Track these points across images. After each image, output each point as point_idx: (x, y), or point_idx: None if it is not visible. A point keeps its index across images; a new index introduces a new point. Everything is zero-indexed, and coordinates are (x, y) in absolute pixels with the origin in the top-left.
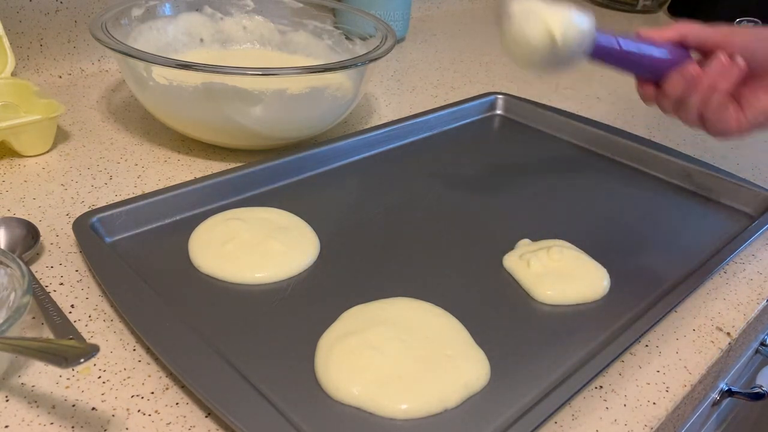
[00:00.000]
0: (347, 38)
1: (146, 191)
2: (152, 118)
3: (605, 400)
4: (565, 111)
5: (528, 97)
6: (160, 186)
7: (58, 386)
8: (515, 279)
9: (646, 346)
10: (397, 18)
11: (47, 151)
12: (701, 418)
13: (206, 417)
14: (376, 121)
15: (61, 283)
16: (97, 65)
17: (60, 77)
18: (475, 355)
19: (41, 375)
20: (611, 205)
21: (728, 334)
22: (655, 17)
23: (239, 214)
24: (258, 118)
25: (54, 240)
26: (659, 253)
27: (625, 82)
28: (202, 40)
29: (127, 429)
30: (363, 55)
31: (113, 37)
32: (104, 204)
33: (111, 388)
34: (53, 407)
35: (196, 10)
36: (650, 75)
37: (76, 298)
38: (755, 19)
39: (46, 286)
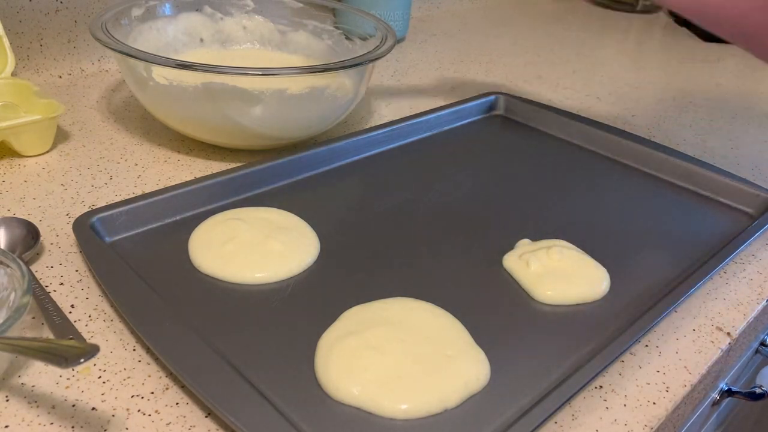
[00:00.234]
0: (347, 38)
1: (146, 191)
2: (152, 118)
3: (605, 400)
4: (565, 111)
5: (528, 97)
6: (160, 186)
7: (58, 386)
8: (515, 279)
9: (646, 346)
10: (397, 18)
11: (47, 151)
12: (701, 418)
13: (206, 417)
14: (376, 121)
15: (61, 283)
16: (97, 65)
17: (60, 77)
18: (475, 355)
19: (41, 375)
20: (611, 205)
21: (728, 334)
22: (655, 17)
23: (239, 214)
24: (258, 118)
25: (54, 240)
26: (659, 253)
27: (625, 83)
28: (202, 40)
29: (127, 429)
30: (363, 55)
31: (113, 37)
32: (104, 204)
33: (111, 388)
34: (53, 407)
35: (196, 10)
36: None
37: (76, 298)
38: None
39: (46, 286)
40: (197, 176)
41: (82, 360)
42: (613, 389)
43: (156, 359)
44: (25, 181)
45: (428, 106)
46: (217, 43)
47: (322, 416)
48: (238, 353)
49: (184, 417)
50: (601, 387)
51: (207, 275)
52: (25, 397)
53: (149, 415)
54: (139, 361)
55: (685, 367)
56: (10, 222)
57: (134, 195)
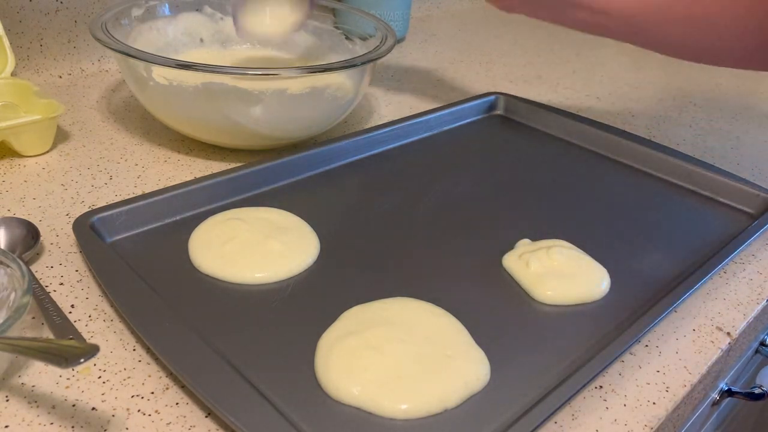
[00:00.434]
0: (347, 38)
1: (146, 191)
2: (152, 118)
3: (605, 400)
4: (565, 111)
5: (528, 97)
6: (160, 186)
7: (58, 386)
8: (515, 279)
9: (646, 346)
10: (397, 18)
11: (47, 151)
12: (701, 418)
13: (206, 417)
14: (376, 121)
15: (61, 283)
16: (97, 65)
17: (60, 77)
18: (475, 355)
19: (41, 375)
20: (611, 205)
21: (728, 334)
22: None
23: (239, 214)
24: (258, 118)
25: (54, 240)
26: (659, 253)
27: (625, 83)
28: (202, 40)
29: (127, 429)
30: (363, 55)
31: (113, 37)
32: (104, 204)
33: (111, 388)
34: (53, 407)
35: (196, 10)
36: None
37: (76, 298)
38: None
39: (46, 286)
40: (197, 176)
41: (82, 360)
42: (613, 389)
43: (156, 359)
44: (25, 181)
45: (428, 106)
46: (217, 43)
47: (322, 416)
48: (238, 353)
49: (184, 417)
50: (601, 387)
51: (207, 275)
52: (25, 397)
53: (149, 415)
54: (139, 361)
55: (685, 367)
56: (10, 222)
57: (134, 195)
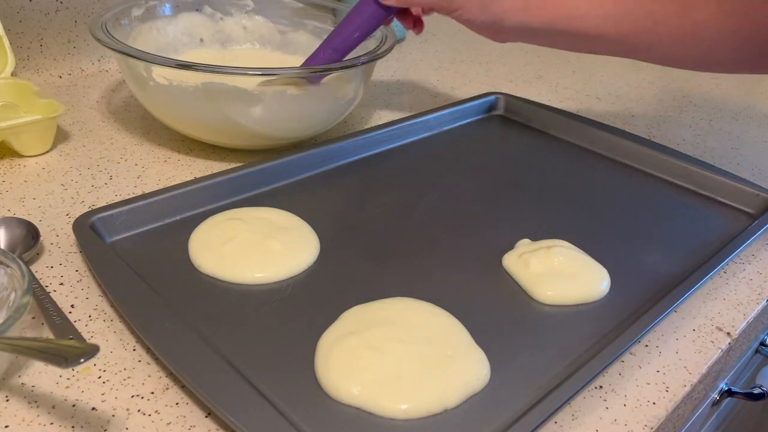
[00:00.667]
0: None
1: (146, 191)
2: (152, 118)
3: (605, 400)
4: (565, 111)
5: (528, 97)
6: (160, 186)
7: (58, 386)
8: (514, 279)
9: (646, 346)
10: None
11: (47, 151)
12: (701, 418)
13: (206, 417)
14: (376, 121)
15: (61, 283)
16: (97, 65)
17: (60, 77)
18: (475, 355)
19: (41, 375)
20: (611, 205)
21: (728, 334)
22: None
23: (239, 214)
24: (258, 118)
25: (54, 240)
26: (659, 253)
27: (625, 83)
28: (202, 40)
29: (127, 429)
30: (363, 55)
31: (113, 37)
32: (104, 204)
33: (111, 388)
34: (53, 407)
35: (196, 10)
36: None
37: (76, 298)
38: None
39: (46, 286)
40: (197, 176)
41: (82, 360)
42: (613, 389)
43: (156, 359)
44: (25, 181)
45: (428, 106)
46: (217, 43)
47: (322, 416)
48: (238, 353)
49: (184, 417)
50: (601, 387)
51: (207, 275)
52: (25, 397)
53: (149, 415)
54: (139, 361)
55: (685, 367)
56: (10, 222)
57: (134, 195)
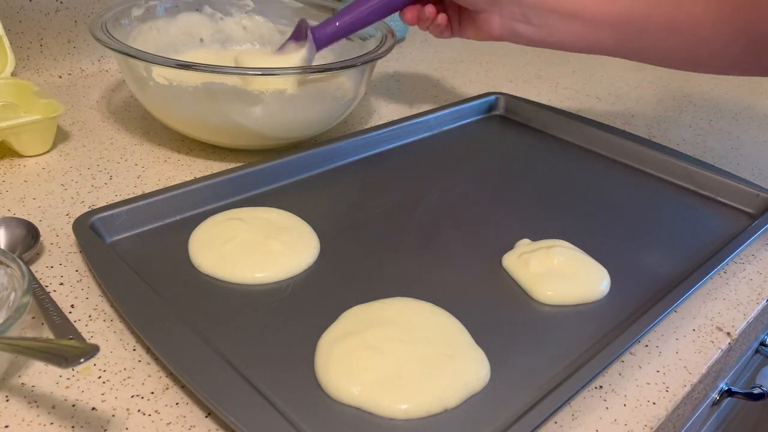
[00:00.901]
0: (347, 38)
1: (146, 191)
2: (152, 118)
3: (605, 400)
4: (565, 111)
5: (528, 97)
6: (160, 186)
7: (58, 386)
8: (514, 279)
9: (646, 346)
10: (396, 18)
11: (47, 151)
12: (701, 418)
13: (206, 417)
14: (376, 121)
15: (61, 283)
16: (97, 65)
17: (60, 77)
18: (475, 355)
19: (41, 375)
20: (611, 205)
21: (728, 334)
22: None
23: (239, 214)
24: (258, 118)
25: (54, 240)
26: (659, 253)
27: (625, 83)
28: (202, 40)
29: (127, 429)
30: (363, 55)
31: (113, 37)
32: (104, 204)
33: (111, 388)
34: (53, 407)
35: (196, 10)
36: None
37: (76, 298)
38: None
39: (46, 286)
40: (197, 176)
41: (82, 360)
42: (613, 389)
43: (156, 359)
44: (25, 181)
45: (428, 106)
46: (217, 43)
47: (322, 416)
48: (238, 353)
49: (184, 417)
50: (601, 387)
51: (207, 275)
52: (25, 397)
53: (149, 415)
54: (139, 361)
55: (685, 367)
56: (10, 222)
57: (134, 195)
